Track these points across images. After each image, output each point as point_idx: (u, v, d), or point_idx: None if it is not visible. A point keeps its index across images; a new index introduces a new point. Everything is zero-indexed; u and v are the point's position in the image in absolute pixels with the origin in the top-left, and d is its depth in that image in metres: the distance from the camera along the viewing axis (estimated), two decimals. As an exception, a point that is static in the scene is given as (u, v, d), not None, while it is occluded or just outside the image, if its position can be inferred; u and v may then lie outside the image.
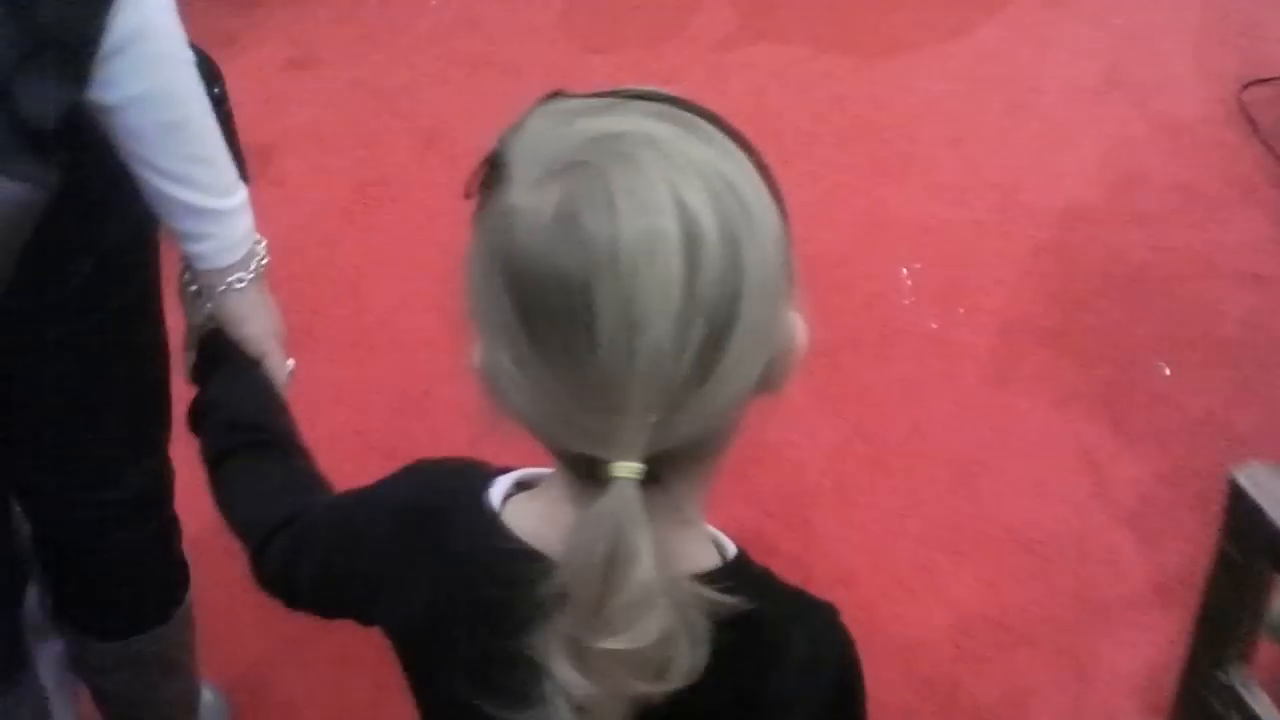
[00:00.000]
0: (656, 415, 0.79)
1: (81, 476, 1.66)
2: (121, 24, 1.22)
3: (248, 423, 1.34)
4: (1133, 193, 3.15)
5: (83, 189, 1.33)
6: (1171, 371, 2.71)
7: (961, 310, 2.84)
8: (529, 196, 0.81)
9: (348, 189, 3.21)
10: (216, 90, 3.05)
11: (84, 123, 1.29)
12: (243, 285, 1.44)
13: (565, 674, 0.83)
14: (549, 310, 0.80)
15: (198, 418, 1.38)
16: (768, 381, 0.88)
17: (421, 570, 1.01)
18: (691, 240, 0.78)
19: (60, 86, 1.22)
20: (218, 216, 1.39)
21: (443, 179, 3.21)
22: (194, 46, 3.05)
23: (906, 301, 2.87)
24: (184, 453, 1.44)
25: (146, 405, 1.68)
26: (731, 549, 0.97)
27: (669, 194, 0.79)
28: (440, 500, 1.02)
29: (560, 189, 0.80)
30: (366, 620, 1.11)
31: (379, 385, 2.63)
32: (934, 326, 2.81)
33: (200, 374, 1.45)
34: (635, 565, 0.79)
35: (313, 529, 1.16)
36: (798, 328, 0.90)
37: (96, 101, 1.26)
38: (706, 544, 0.96)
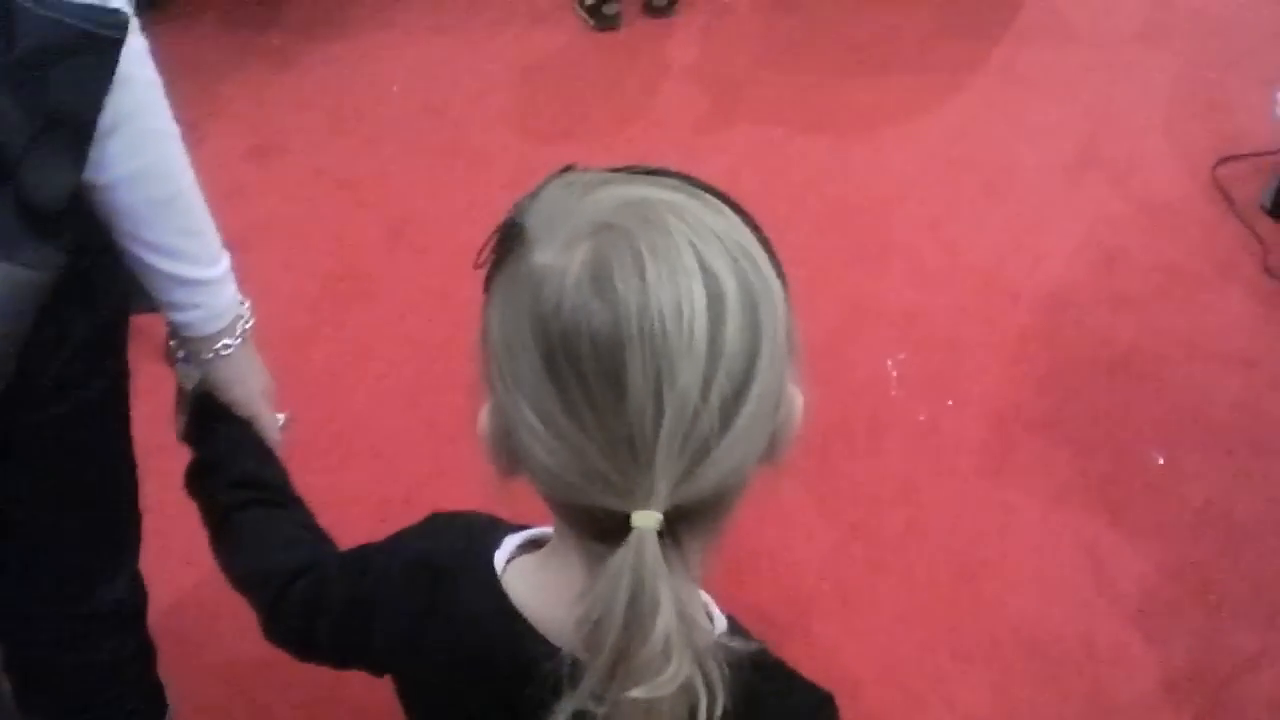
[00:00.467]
0: (681, 465, 0.83)
1: (48, 586, 1.60)
2: (114, 104, 1.23)
3: (250, 480, 1.38)
4: (1115, 273, 3.11)
5: (65, 271, 1.30)
6: (1166, 459, 2.67)
7: (950, 401, 2.79)
8: (559, 257, 0.85)
9: (316, 283, 3.13)
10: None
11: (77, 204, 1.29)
12: (230, 350, 1.44)
13: None
14: (579, 365, 0.83)
15: (196, 479, 1.41)
16: (771, 450, 0.92)
17: (431, 631, 1.05)
18: (715, 299, 0.84)
19: (66, 166, 1.23)
20: (205, 286, 1.40)
21: (413, 272, 3.13)
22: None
23: (894, 393, 2.81)
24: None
25: (118, 507, 1.63)
26: (722, 616, 1.02)
27: (694, 256, 0.84)
28: (449, 561, 1.06)
29: (589, 249, 0.84)
30: (380, 671, 1.15)
31: (358, 492, 2.54)
32: (923, 418, 2.75)
33: (193, 435, 1.47)
34: (658, 614, 0.82)
35: (331, 581, 1.19)
36: (797, 401, 0.95)
37: (89, 181, 1.26)
38: (704, 608, 1.00)
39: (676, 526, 0.85)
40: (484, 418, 0.92)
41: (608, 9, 3.97)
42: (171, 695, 1.94)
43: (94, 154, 1.25)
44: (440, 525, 1.13)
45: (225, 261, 1.44)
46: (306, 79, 3.85)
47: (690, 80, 3.81)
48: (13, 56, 1.17)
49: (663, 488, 0.83)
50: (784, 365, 0.90)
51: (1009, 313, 3.01)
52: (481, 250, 0.91)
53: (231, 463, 1.42)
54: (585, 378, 0.83)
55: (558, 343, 0.83)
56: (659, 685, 0.82)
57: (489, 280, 0.92)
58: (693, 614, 0.84)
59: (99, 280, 1.39)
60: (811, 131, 3.59)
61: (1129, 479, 2.63)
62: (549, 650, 0.91)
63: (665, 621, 0.82)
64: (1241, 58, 3.81)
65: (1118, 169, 3.43)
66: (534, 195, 0.90)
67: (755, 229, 0.93)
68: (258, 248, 3.23)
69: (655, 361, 0.82)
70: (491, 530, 1.07)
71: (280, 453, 1.48)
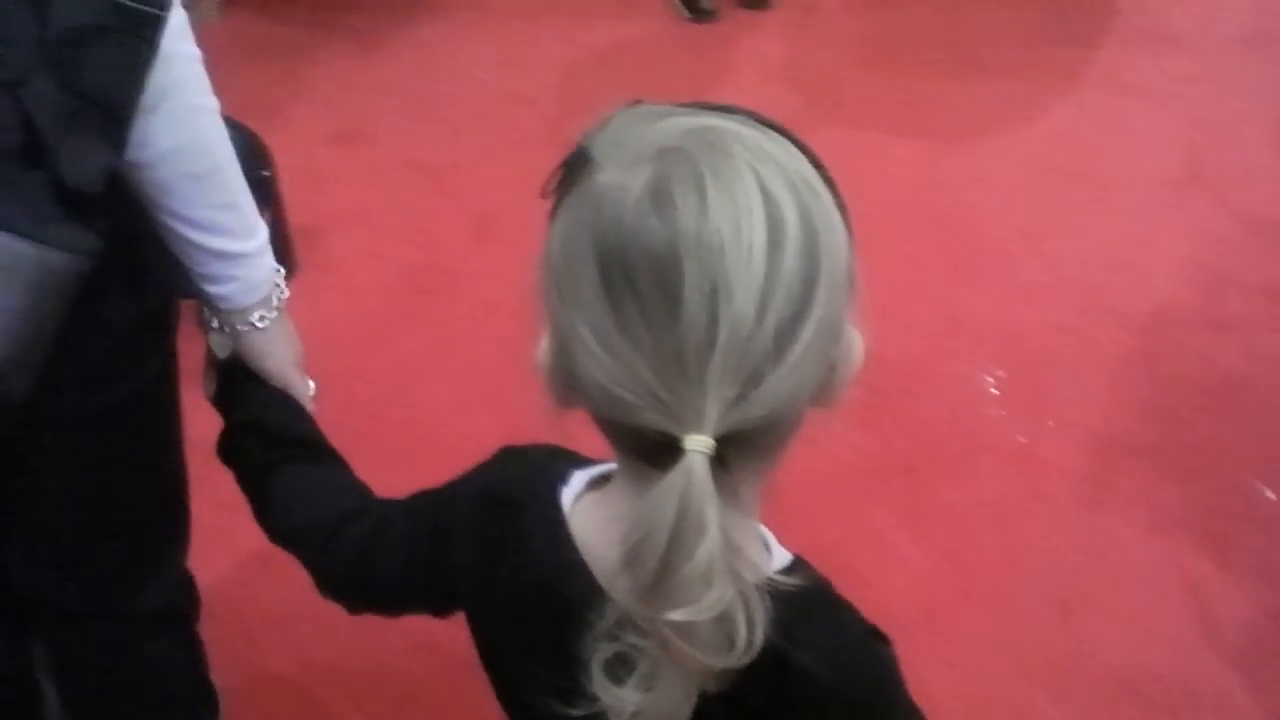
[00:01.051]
0: (733, 389, 0.82)
1: (94, 585, 1.56)
2: (153, 82, 1.20)
3: (289, 438, 1.37)
4: (1221, 295, 3.01)
5: (108, 259, 1.28)
6: (1276, 494, 2.57)
7: (1050, 423, 2.70)
8: (620, 176, 0.85)
9: (399, 276, 3.07)
10: (266, 173, 2.92)
11: (118, 189, 1.27)
12: (265, 323, 1.42)
13: (619, 693, 0.88)
14: (635, 280, 0.83)
15: (231, 442, 1.39)
16: (825, 390, 0.90)
17: (499, 563, 1.05)
18: (775, 223, 0.83)
19: (103, 148, 1.21)
20: (243, 260, 1.38)
21: (499, 266, 3.06)
22: (241, 125, 2.91)
23: (992, 413, 2.72)
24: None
25: (165, 503, 1.59)
26: (785, 553, 0.99)
27: (754, 180, 0.84)
28: (518, 496, 1.05)
29: (652, 170, 0.84)
30: (443, 612, 1.15)
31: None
32: (1022, 441, 2.66)
33: (224, 400, 1.45)
34: (703, 537, 0.81)
35: (392, 525, 1.18)
36: (856, 341, 0.93)
37: (129, 160, 1.24)
38: (760, 541, 0.98)
39: (727, 453, 0.83)
40: (541, 346, 0.92)
41: (705, 2, 3.87)
42: (224, 695, 1.90)
43: (136, 131, 1.22)
44: (512, 458, 1.11)
45: (262, 234, 1.40)
46: (392, 63, 3.79)
47: (781, 77, 3.73)
48: (49, 33, 1.14)
49: (714, 411, 0.82)
50: (843, 300, 0.89)
51: (1111, 332, 2.91)
52: (549, 179, 0.91)
53: (268, 421, 1.40)
54: (640, 293, 0.83)
55: (615, 257, 0.84)
56: (698, 610, 0.82)
57: (555, 206, 0.91)
58: (739, 543, 0.84)
59: (141, 268, 1.36)
60: (906, 135, 3.49)
61: (1235, 513, 2.53)
62: (598, 592, 0.93)
63: (709, 546, 0.82)
64: (1355, 69, 3.69)
65: (1223, 183, 3.32)
66: (602, 124, 0.91)
67: (819, 166, 0.92)
68: (338, 236, 3.17)
69: (711, 280, 0.81)
70: (562, 465, 1.05)
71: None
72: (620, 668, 0.88)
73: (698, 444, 0.82)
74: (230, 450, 1.40)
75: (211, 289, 1.38)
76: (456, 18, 3.99)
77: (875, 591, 2.37)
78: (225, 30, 3.88)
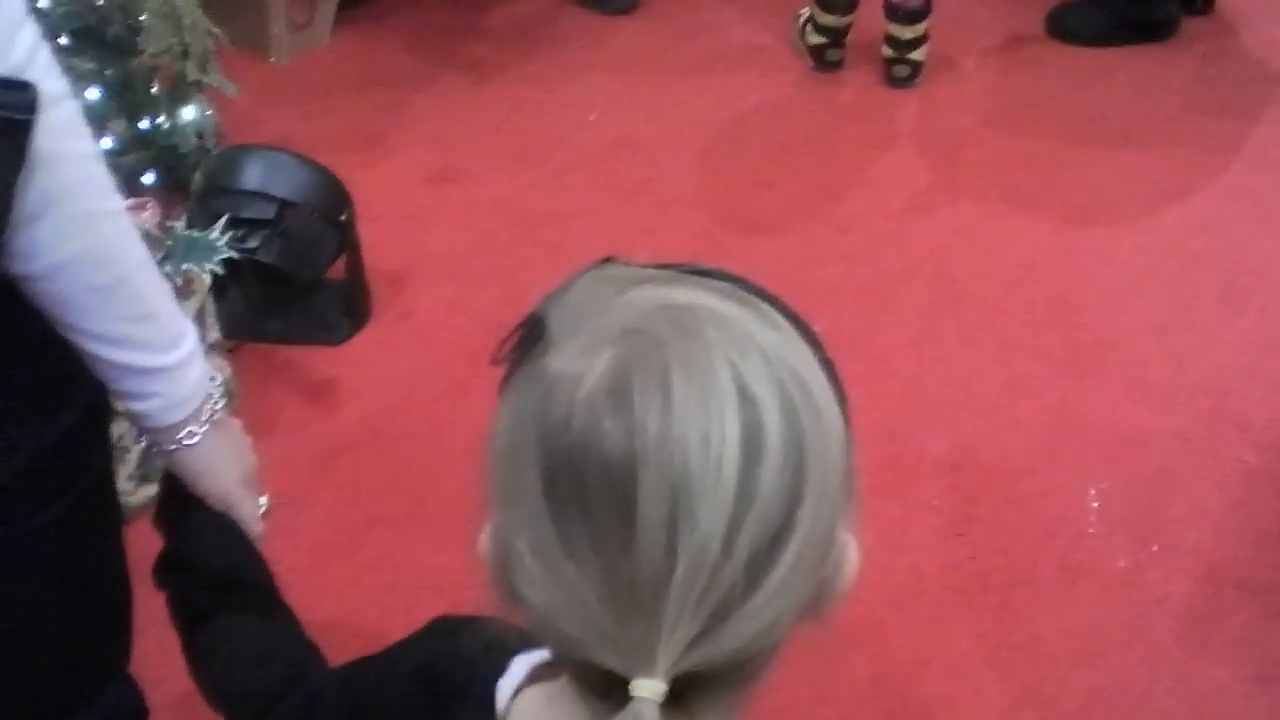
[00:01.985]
0: (693, 628, 0.70)
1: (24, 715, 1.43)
2: (40, 187, 1.09)
3: (225, 581, 1.27)
4: (1363, 413, 2.75)
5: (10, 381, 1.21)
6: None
7: (1155, 547, 2.47)
8: (575, 363, 0.74)
9: (482, 331, 2.92)
10: (343, 217, 2.81)
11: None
12: (195, 439, 1.28)
13: None
14: (584, 494, 0.72)
15: (165, 573, 1.30)
16: (813, 608, 0.79)
17: None
18: (752, 430, 0.72)
19: None
20: (163, 374, 1.25)
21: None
22: (323, 167, 2.80)
23: (1092, 530, 2.51)
24: None
25: (102, 622, 1.47)
26: None
27: (731, 377, 0.72)
28: (452, 681, 0.95)
29: (612, 358, 0.73)
30: None
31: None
32: (1122, 565, 2.45)
33: (163, 521, 1.35)
34: None
35: (318, 699, 1.08)
36: (850, 550, 0.80)
37: (18, 272, 1.14)
38: None
39: (688, 696, 0.74)
40: (484, 538, 0.80)
41: (830, 55, 3.68)
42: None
43: (20, 243, 1.11)
44: (444, 633, 1.01)
45: (188, 343, 1.27)
46: (503, 98, 3.66)
47: (909, 139, 3.53)
48: None
49: (671, 652, 0.71)
50: (835, 513, 0.77)
51: (1235, 447, 2.67)
52: (500, 346, 0.80)
53: (204, 560, 1.29)
54: (589, 509, 0.72)
55: (561, 462, 0.73)
56: None
57: (504, 382, 0.80)
58: None
59: (51, 383, 1.24)
60: (1034, 207, 3.27)
61: (1356, 667, 2.30)
62: None
63: None
64: None
65: (1378, 285, 3.05)
66: (564, 288, 0.79)
67: (816, 347, 0.80)
68: (426, 283, 3.05)
69: (672, 500, 0.70)
70: (499, 649, 0.93)
71: (260, 545, 1.33)
72: None
73: (646, 689, 0.70)
74: (161, 581, 1.31)
75: (132, 405, 1.27)
76: (575, 55, 3.85)
77: (946, 726, 2.20)
78: (333, 55, 3.79)
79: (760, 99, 3.67)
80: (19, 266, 1.13)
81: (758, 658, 0.77)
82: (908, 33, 3.63)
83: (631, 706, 0.71)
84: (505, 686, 0.92)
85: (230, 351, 2.71)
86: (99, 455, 1.37)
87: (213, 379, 1.31)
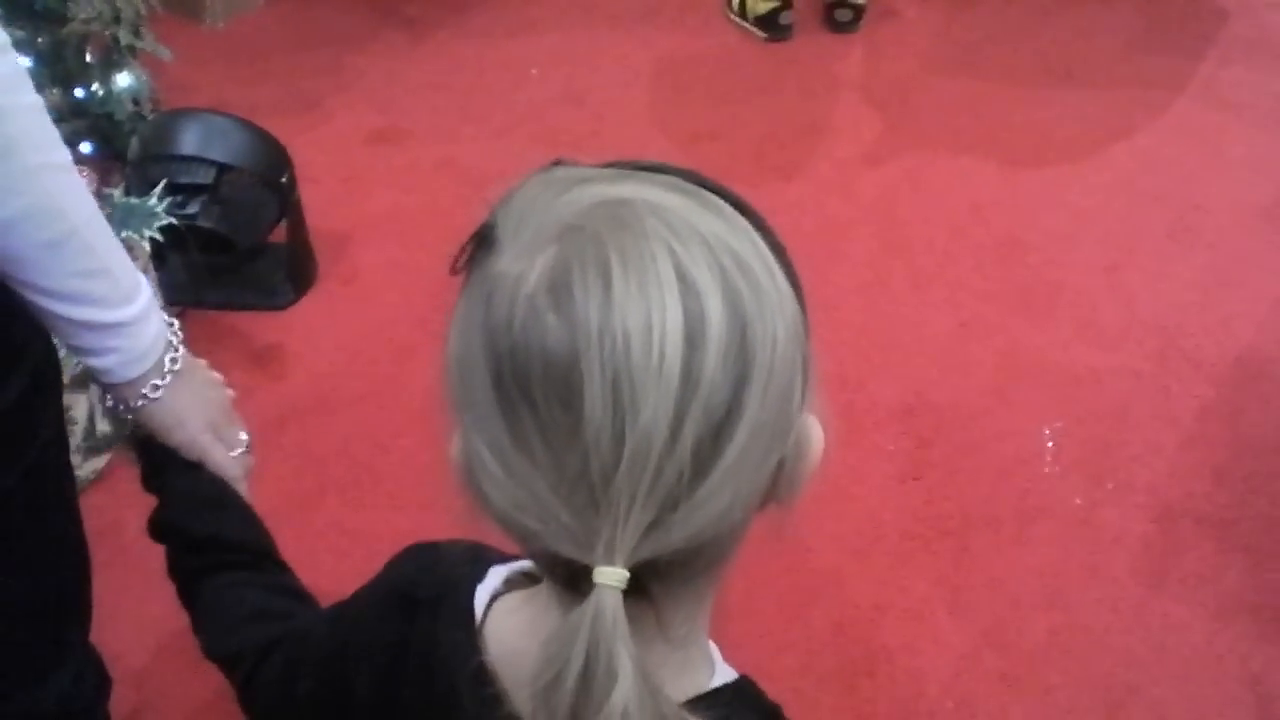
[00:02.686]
0: (646, 516, 0.71)
1: None
2: None
3: (211, 541, 1.25)
4: (1314, 345, 2.75)
5: None
6: (1356, 576, 2.33)
7: (1111, 486, 2.47)
8: (517, 263, 0.74)
9: (426, 292, 2.89)
10: (284, 179, 2.76)
11: None
12: (158, 393, 1.26)
13: None
14: (529, 390, 0.73)
15: (158, 533, 1.28)
16: (776, 490, 0.80)
17: (407, 668, 0.96)
18: (694, 316, 0.72)
19: None
20: (120, 329, 1.22)
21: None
22: (262, 130, 2.74)
23: (1047, 470, 2.50)
24: None
25: (60, 587, 1.44)
26: (731, 674, 0.89)
27: (671, 266, 0.72)
28: (429, 592, 0.95)
29: (552, 256, 0.73)
30: None
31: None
32: (1078, 504, 2.44)
33: (150, 482, 1.33)
34: (615, 685, 0.71)
35: (306, 642, 1.08)
36: (814, 433, 0.81)
37: None
38: (701, 668, 0.88)
39: (648, 582, 0.75)
40: (453, 447, 0.79)
41: (783, 18, 3.63)
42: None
43: None
44: (418, 554, 1.01)
45: (142, 297, 1.23)
46: (442, 55, 3.62)
47: (853, 86, 3.50)
48: None
49: (626, 540, 0.71)
50: (787, 392, 0.77)
51: (1189, 382, 2.67)
52: (457, 257, 0.80)
53: (188, 522, 1.28)
54: (535, 404, 0.73)
55: (507, 362, 0.73)
56: None
57: (461, 291, 0.80)
58: (659, 684, 0.73)
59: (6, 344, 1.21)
60: (981, 150, 3.26)
61: (1312, 598, 2.30)
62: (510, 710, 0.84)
63: (623, 693, 0.71)
64: None
65: (1326, 216, 3.05)
66: (510, 193, 0.80)
67: (765, 232, 0.80)
68: (369, 245, 3.01)
69: (615, 390, 0.71)
70: (475, 561, 0.95)
71: (244, 485, 1.33)
72: None
73: (607, 577, 0.71)
74: (156, 537, 1.29)
75: (90, 362, 1.24)
76: (514, 10, 3.80)
77: (906, 673, 2.19)
78: (268, 17, 3.73)
79: (702, 50, 3.63)
80: None
81: (716, 544, 0.78)
82: (849, -22, 3.61)
83: (595, 594, 0.71)
84: (482, 593, 0.92)
85: (177, 317, 2.66)
86: (50, 422, 1.33)
87: (170, 325, 1.27)
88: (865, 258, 2.97)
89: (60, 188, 1.15)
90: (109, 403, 1.29)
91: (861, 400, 2.62)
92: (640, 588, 0.74)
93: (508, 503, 0.75)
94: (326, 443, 2.56)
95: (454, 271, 0.80)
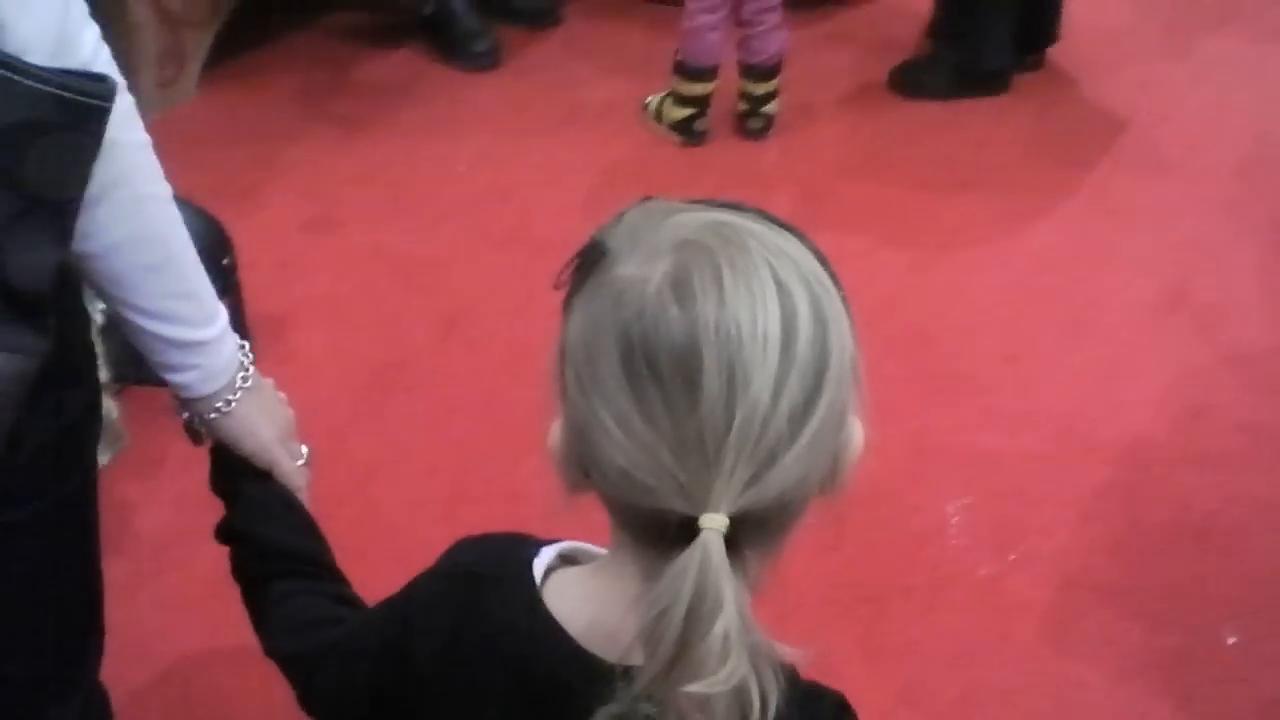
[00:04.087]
0: (749, 470, 0.89)
1: None
2: (101, 171, 1.19)
3: (276, 550, 1.38)
4: (1199, 430, 2.94)
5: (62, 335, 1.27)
6: (1240, 639, 2.49)
7: (1014, 557, 2.62)
8: (641, 268, 0.92)
9: (363, 371, 3.01)
10: (226, 261, 2.87)
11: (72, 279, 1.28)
12: (231, 407, 1.40)
13: None
14: (657, 368, 0.90)
15: (224, 539, 1.43)
16: (830, 478, 0.99)
17: (469, 641, 1.06)
18: (789, 314, 0.91)
19: (51, 246, 1.19)
20: (202, 348, 1.37)
21: (464, 368, 3.01)
22: (205, 213, 2.85)
23: (955, 543, 2.65)
24: None
25: (76, 623, 1.53)
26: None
27: (769, 273, 0.91)
28: (485, 569, 1.08)
29: (671, 262, 0.91)
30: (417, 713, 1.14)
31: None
32: (984, 574, 2.59)
33: (218, 486, 1.47)
34: (720, 613, 0.86)
35: (365, 635, 1.19)
36: (857, 431, 1.01)
37: (77, 251, 1.24)
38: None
39: (739, 534, 0.90)
40: (555, 432, 0.99)
41: (698, 124, 3.80)
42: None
43: (81, 224, 1.21)
44: (471, 542, 1.14)
45: (221, 320, 1.40)
46: (373, 150, 3.75)
47: (767, 186, 3.68)
48: None
49: (731, 491, 0.89)
50: (849, 389, 0.97)
51: (1085, 464, 2.84)
52: (562, 271, 0.98)
53: (256, 531, 1.41)
54: (662, 381, 0.90)
55: (638, 347, 0.91)
56: (715, 682, 0.87)
57: (568, 299, 0.98)
58: (750, 618, 0.89)
59: (60, 380, 1.31)
60: (891, 247, 3.43)
61: (1201, 659, 2.46)
62: (582, 658, 0.98)
63: (726, 621, 0.86)
64: (1347, 203, 3.63)
65: (1209, 314, 3.26)
66: (616, 220, 0.98)
67: (824, 263, 1.00)
68: (305, 326, 3.12)
69: (729, 367, 0.89)
70: (526, 542, 1.10)
71: (306, 495, 1.49)
72: None
73: (714, 522, 0.88)
74: (224, 540, 1.44)
75: (172, 378, 1.38)
76: (442, 109, 3.95)
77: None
78: (204, 108, 3.84)
79: (623, 150, 3.79)
80: (78, 245, 1.22)
81: (791, 509, 0.96)
82: (761, 89, 3.79)
83: (700, 539, 0.87)
84: (539, 565, 1.06)
85: (117, 394, 2.74)
86: (90, 452, 1.43)
87: (241, 346, 1.42)
88: (781, 346, 3.12)
89: (162, 217, 1.28)
90: (184, 415, 1.43)
91: (780, 477, 2.75)
92: (732, 541, 0.89)
93: (628, 463, 0.91)
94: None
95: (557, 286, 0.99)
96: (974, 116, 3.99)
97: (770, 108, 3.82)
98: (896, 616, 2.50)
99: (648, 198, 1.00)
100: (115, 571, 2.00)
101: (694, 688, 0.87)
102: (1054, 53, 4.18)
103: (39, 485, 1.35)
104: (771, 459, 0.90)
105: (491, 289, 3.23)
